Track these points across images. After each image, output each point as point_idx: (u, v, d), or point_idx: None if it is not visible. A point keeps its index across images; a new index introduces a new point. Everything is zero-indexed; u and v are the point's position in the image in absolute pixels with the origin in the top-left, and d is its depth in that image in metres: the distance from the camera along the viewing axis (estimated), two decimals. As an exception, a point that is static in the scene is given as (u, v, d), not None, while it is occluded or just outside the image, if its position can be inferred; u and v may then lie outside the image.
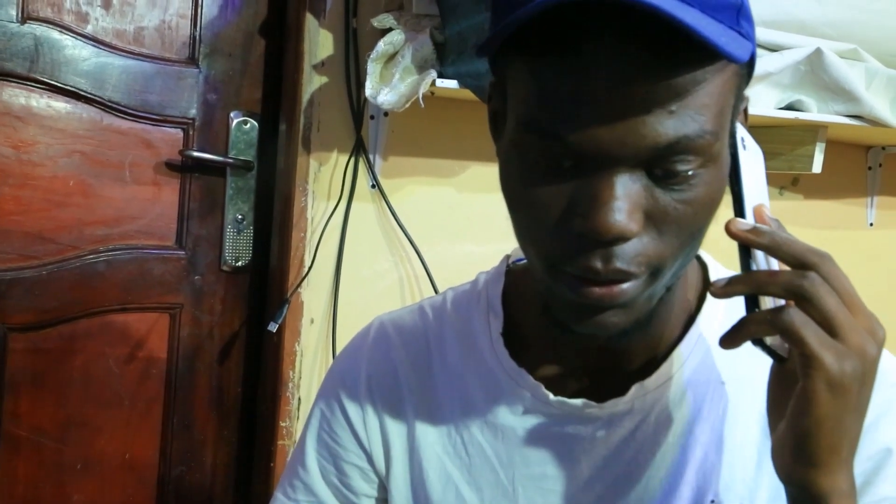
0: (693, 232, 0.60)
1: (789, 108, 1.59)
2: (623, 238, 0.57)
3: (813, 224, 1.93)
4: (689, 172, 0.57)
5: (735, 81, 0.59)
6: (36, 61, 1.48)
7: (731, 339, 0.59)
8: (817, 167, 1.63)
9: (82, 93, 1.51)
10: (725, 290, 0.59)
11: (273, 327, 1.52)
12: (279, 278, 1.61)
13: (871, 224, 1.99)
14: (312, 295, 1.59)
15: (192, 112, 1.60)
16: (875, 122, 1.59)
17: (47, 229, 1.52)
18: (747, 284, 0.59)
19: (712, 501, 0.71)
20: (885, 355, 0.74)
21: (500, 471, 0.76)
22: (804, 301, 0.56)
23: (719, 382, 0.73)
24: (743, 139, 0.63)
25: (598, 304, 0.60)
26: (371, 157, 1.58)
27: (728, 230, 0.59)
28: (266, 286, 1.69)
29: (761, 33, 1.50)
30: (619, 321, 0.61)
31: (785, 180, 1.89)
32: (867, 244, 2.00)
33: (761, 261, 0.60)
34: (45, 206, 1.51)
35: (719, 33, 0.53)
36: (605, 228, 0.56)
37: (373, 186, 1.59)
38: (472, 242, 1.63)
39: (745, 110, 0.67)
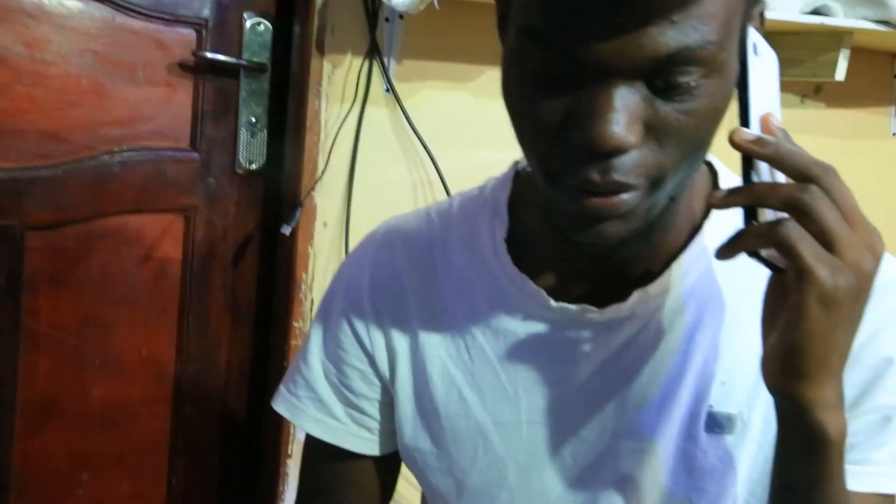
0: (696, 143, 0.59)
1: (815, 13, 1.55)
2: (621, 150, 0.56)
3: (834, 133, 1.90)
4: (692, 83, 0.56)
5: None
6: (47, -43, 1.46)
7: (727, 251, 0.60)
8: (840, 75, 1.59)
9: (94, -9, 1.50)
10: (724, 200, 0.59)
11: (286, 230, 1.53)
12: (293, 182, 1.62)
13: (894, 134, 1.95)
14: (326, 198, 1.60)
15: (206, 13, 1.58)
16: (903, 28, 1.56)
17: (62, 128, 1.52)
18: (746, 196, 0.59)
19: (710, 407, 0.72)
20: (889, 263, 0.73)
21: (501, 374, 0.78)
22: (803, 214, 0.55)
23: (720, 292, 0.73)
24: (755, 45, 0.61)
25: (598, 213, 0.60)
26: (385, 60, 1.56)
27: (731, 140, 0.59)
28: (280, 189, 1.70)
29: (789, -65, 1.45)
30: (618, 231, 0.61)
31: (807, 88, 1.85)
32: (889, 154, 1.97)
33: (764, 172, 0.60)
34: (59, 106, 1.51)
35: None
36: (602, 140, 0.55)
37: (387, 90, 1.58)
38: (488, 148, 1.62)
39: (761, 14, 0.65)
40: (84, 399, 1.64)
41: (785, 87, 2.03)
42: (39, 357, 1.59)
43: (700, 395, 0.73)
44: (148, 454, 1.71)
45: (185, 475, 1.75)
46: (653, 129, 0.57)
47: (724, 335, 0.73)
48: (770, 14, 1.49)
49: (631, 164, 0.57)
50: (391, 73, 1.57)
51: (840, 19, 1.53)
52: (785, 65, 1.70)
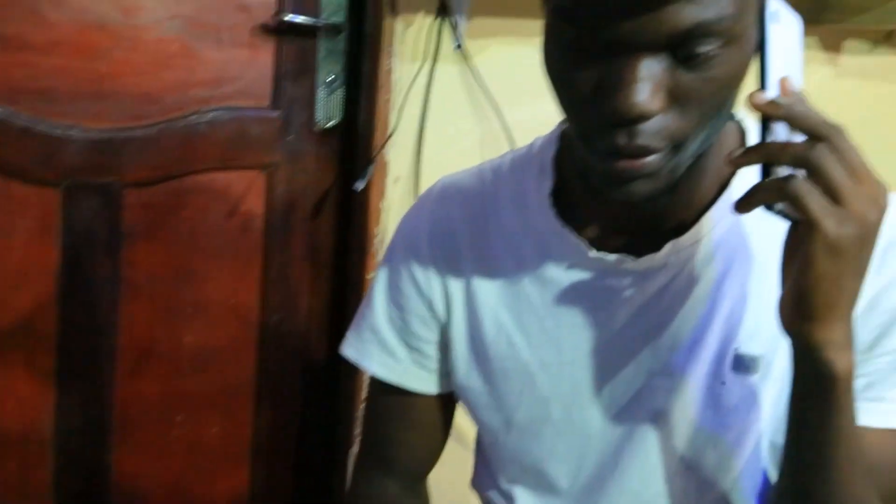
0: (715, 108, 0.65)
1: (878, -40, 1.55)
2: (645, 117, 0.62)
3: (907, 80, 1.88)
4: (711, 53, 0.61)
5: None
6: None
7: (744, 205, 0.65)
8: (908, 21, 1.60)
9: (181, -43, 1.58)
10: (740, 159, 0.65)
11: (359, 186, 1.61)
12: (366, 138, 1.69)
13: (968, 80, 1.92)
14: (397, 154, 1.67)
15: (284, -25, 1.65)
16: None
17: (155, 90, 1.61)
18: (761, 154, 0.64)
19: (736, 349, 0.78)
20: None
21: (546, 319, 0.84)
22: (812, 170, 0.60)
23: (747, 243, 0.78)
24: (775, 12, 0.66)
25: (626, 174, 0.66)
26: (455, 18, 1.61)
27: (749, 102, 0.64)
28: (355, 146, 1.76)
29: None
30: (646, 189, 0.67)
31: (878, 35, 1.83)
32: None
33: (780, 132, 0.64)
34: (152, 69, 1.60)
35: None
36: (627, 108, 0.61)
37: (457, 47, 1.63)
38: (553, 102, 1.66)
39: None
40: (177, 345, 1.75)
41: (855, 34, 2.01)
42: (137, 306, 1.70)
43: (727, 338, 0.78)
44: (235, 397, 1.82)
45: (269, 416, 1.85)
46: (675, 97, 0.63)
47: (752, 283, 0.78)
48: (835, -37, 1.50)
49: (655, 129, 0.63)
50: (461, 30, 1.62)
51: (904, -34, 1.53)
52: (853, 13, 1.70)
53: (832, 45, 1.81)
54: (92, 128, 1.59)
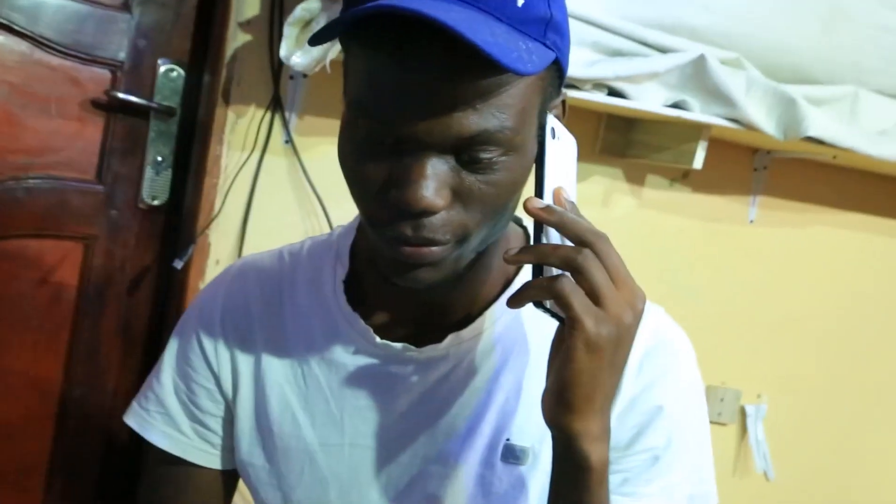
0: (496, 208, 0.71)
1: (676, 106, 1.72)
2: (430, 211, 0.68)
3: (699, 216, 2.05)
4: (493, 159, 0.67)
5: (541, 84, 0.70)
6: (-28, -6, 1.55)
7: (515, 300, 0.71)
8: (698, 163, 1.76)
9: (15, 27, 1.58)
10: (515, 257, 0.71)
11: (178, 264, 1.62)
12: (190, 219, 1.71)
13: (752, 221, 2.12)
14: (220, 238, 1.69)
15: (122, 55, 1.67)
16: (751, 127, 1.73)
17: (-30, 153, 1.59)
18: (533, 254, 0.70)
19: (507, 440, 0.83)
20: (671, 326, 0.87)
21: (331, 400, 0.87)
22: (576, 272, 0.67)
23: (525, 340, 0.85)
24: (553, 129, 0.74)
25: (410, 261, 0.70)
26: (287, 114, 1.68)
27: (525, 207, 0.71)
28: (178, 226, 1.78)
29: (653, 36, 1.63)
30: (429, 277, 0.72)
31: (676, 173, 2.02)
32: (747, 239, 2.14)
33: (553, 236, 0.71)
34: (-31, 131, 1.58)
35: (510, 49, 0.62)
36: (414, 202, 0.67)
37: (286, 142, 1.69)
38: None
39: (564, 103, 0.78)
40: (-33, 415, 1.68)
41: (656, 170, 2.19)
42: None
43: (500, 429, 0.83)
44: (27, 472, 1.75)
45: (61, 495, 1.78)
46: (459, 195, 0.69)
47: (526, 377, 0.84)
48: (636, 104, 1.66)
49: (439, 222, 0.69)
50: (291, 126, 1.68)
51: (696, 114, 1.70)
52: (654, 150, 1.87)
53: (636, 179, 1.98)
54: None
